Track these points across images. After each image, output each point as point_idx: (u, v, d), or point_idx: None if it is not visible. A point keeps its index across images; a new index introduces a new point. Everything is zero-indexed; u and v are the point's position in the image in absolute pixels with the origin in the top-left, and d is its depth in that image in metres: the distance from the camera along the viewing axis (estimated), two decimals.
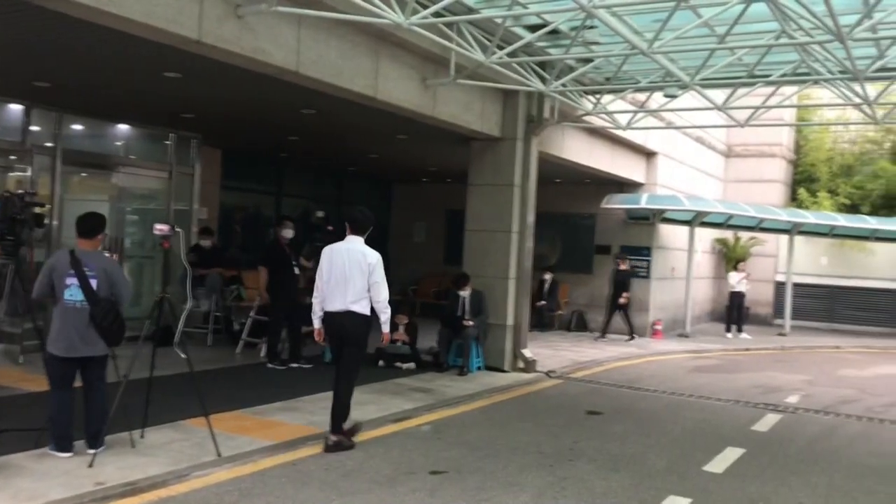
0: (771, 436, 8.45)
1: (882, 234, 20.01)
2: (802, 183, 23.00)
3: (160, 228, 6.32)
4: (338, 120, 11.33)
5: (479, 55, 8.93)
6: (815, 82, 10.87)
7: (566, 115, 12.32)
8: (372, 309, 6.83)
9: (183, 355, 6.31)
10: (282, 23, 7.50)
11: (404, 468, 6.31)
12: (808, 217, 19.42)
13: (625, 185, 17.07)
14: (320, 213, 13.07)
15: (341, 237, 7.07)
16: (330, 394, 6.97)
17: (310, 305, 7.09)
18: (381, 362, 11.03)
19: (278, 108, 10.68)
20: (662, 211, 16.86)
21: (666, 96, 11.73)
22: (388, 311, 6.89)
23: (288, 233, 10.97)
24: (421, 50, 9.28)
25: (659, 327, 17.15)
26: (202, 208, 13.86)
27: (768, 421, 9.14)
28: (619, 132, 14.05)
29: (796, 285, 20.35)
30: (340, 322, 6.74)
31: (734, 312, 18.48)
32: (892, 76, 10.18)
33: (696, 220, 17.82)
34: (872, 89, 11.07)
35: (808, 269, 21.44)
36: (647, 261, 17.35)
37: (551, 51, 10.57)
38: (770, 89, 11.75)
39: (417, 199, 20.18)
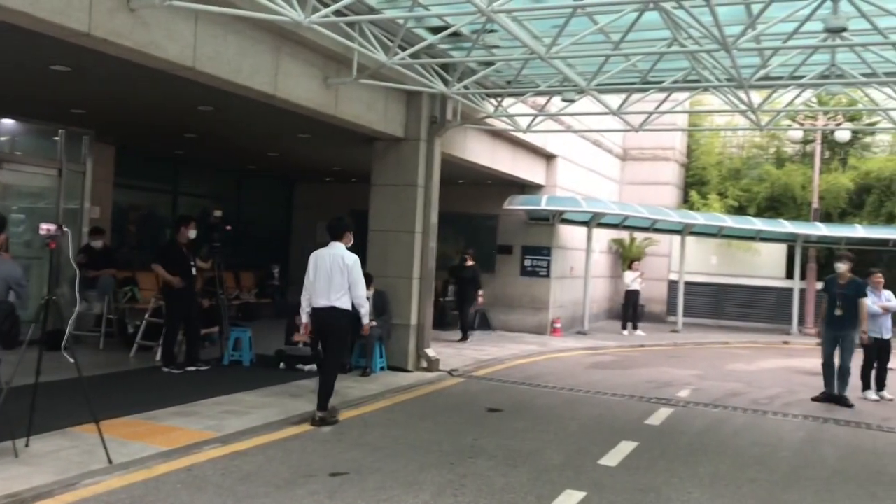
0: (663, 429, 8.78)
1: (766, 234, 21.10)
2: (694, 185, 23.95)
3: (46, 228, 6.09)
4: (237, 118, 11.12)
5: (381, 55, 8.94)
6: (705, 89, 11.38)
7: (468, 117, 12.47)
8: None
9: (71, 359, 6.06)
10: (177, 17, 7.30)
11: (303, 471, 6.25)
12: (698, 218, 20.28)
13: (526, 187, 17.40)
14: (218, 213, 12.78)
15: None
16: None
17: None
18: (282, 364, 10.89)
19: (174, 105, 10.39)
20: (561, 212, 17.28)
21: (564, 100, 11.99)
22: (367, 305, 8.04)
23: (191, 233, 10.69)
24: (323, 49, 9.21)
25: (558, 325, 17.55)
26: (94, 207, 13.34)
27: (661, 415, 9.49)
28: (520, 135, 14.31)
29: (688, 284, 21.21)
30: (325, 317, 7.82)
31: (630, 310, 19.11)
32: (774, 84, 10.75)
33: (594, 220, 18.34)
34: (758, 96, 11.68)
35: (699, 268, 22.37)
36: (547, 260, 17.73)
37: (453, 53, 10.68)
38: (663, 95, 12.22)
39: (321, 198, 19.99)
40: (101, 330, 11.77)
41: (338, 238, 8.02)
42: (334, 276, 7.80)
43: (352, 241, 8.15)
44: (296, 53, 9.07)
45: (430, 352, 11.75)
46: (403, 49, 9.15)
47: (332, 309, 7.79)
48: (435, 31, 9.53)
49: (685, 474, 6.80)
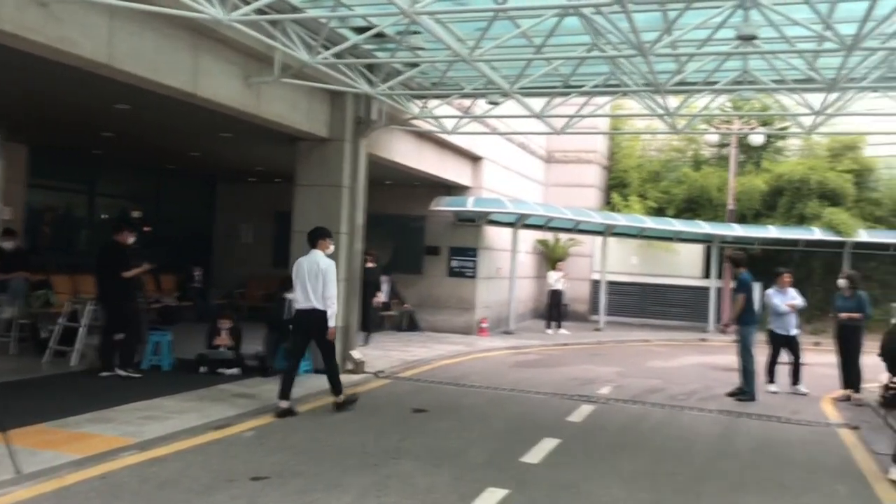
0: (584, 426, 8.96)
1: (685, 235, 21.73)
2: (616, 188, 24.50)
3: None
4: (156, 116, 10.86)
5: (303, 55, 8.87)
6: (624, 93, 11.66)
7: (394, 118, 12.47)
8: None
9: None
10: (91, 12, 7.09)
11: (224, 476, 6.15)
12: (619, 220, 20.76)
13: (453, 189, 17.49)
14: (136, 213, 12.46)
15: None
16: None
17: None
18: (202, 368, 10.67)
19: (90, 103, 10.08)
20: (488, 213, 17.44)
21: (489, 103, 12.14)
22: (335, 305, 8.70)
23: (130, 238, 10.42)
24: (244, 47, 9.07)
25: (485, 325, 17.70)
26: (5, 208, 12.85)
27: (583, 412, 9.67)
28: (447, 137, 14.38)
29: (610, 283, 21.68)
30: (307, 317, 8.63)
31: (554, 310, 19.43)
32: (690, 89, 11.08)
33: (519, 222, 18.57)
34: (675, 101, 12.02)
35: (621, 268, 22.88)
36: (474, 261, 17.88)
37: (378, 54, 10.68)
38: (584, 99, 12.45)
39: (244, 199, 19.66)
40: (12, 335, 11.32)
41: (316, 245, 8.86)
42: (312, 281, 8.59)
43: (330, 248, 8.99)
44: (216, 51, 8.91)
45: (356, 354, 11.70)
46: (327, 48, 9.11)
47: (313, 310, 8.60)
48: (359, 31, 9.51)
49: (605, 470, 6.96)
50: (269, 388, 9.91)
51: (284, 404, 8.54)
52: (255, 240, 19.51)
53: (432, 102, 12.71)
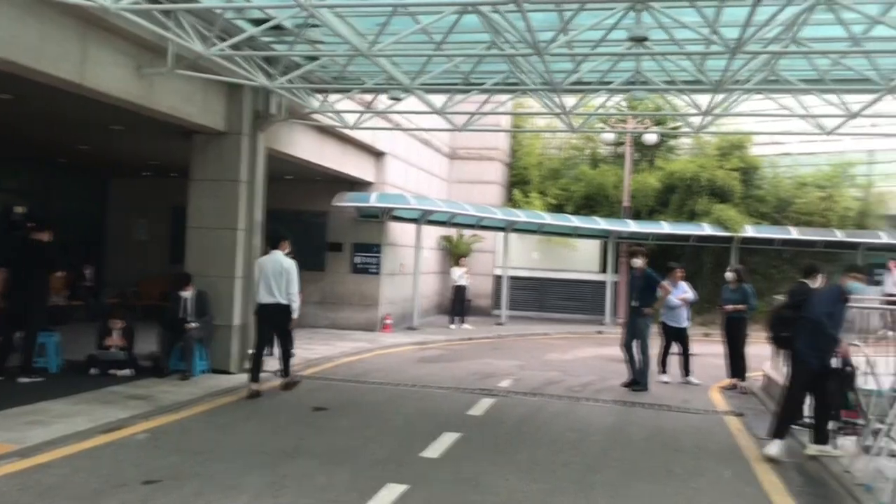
0: (484, 419, 9.08)
1: (583, 231, 22.29)
2: (517, 184, 24.86)
3: None
4: (41, 107, 10.36)
5: (198, 46, 8.63)
6: (524, 92, 11.85)
7: (294, 112, 12.28)
8: None
9: None
10: None
11: (114, 480, 5.93)
12: (520, 216, 21.10)
13: (356, 184, 17.37)
14: (20, 209, 11.85)
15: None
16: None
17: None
18: (93, 370, 10.26)
19: None
20: (391, 209, 17.41)
21: (390, 98, 12.11)
22: (298, 300, 9.89)
23: (44, 236, 9.91)
24: (135, 37, 8.74)
25: (389, 321, 17.68)
26: None
27: (483, 405, 9.79)
28: (349, 132, 14.27)
29: (512, 278, 22.02)
30: (270, 310, 9.77)
31: (457, 305, 19.59)
32: (585, 89, 11.36)
33: (423, 218, 18.62)
34: (572, 100, 12.29)
35: (522, 264, 23.26)
36: (378, 257, 17.81)
37: (276, 46, 10.50)
38: (485, 96, 12.59)
39: (138, 194, 18.98)
40: None
41: (276, 247, 9.98)
42: (276, 278, 9.73)
43: (287, 248, 10.07)
44: (105, 40, 8.56)
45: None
46: (223, 40, 8.89)
47: (277, 304, 9.73)
48: (256, 22, 9.32)
49: (504, 461, 7.07)
50: (163, 388, 9.65)
51: (255, 386, 9.69)
52: (151, 237, 18.86)
53: (333, 97, 12.60)
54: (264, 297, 9.77)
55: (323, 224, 18.00)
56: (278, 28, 9.37)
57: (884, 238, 22.35)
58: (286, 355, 10.24)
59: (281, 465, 6.60)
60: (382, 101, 13.70)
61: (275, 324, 9.97)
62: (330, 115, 12.81)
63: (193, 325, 10.64)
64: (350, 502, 5.72)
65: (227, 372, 10.98)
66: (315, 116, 12.87)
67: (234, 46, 9.05)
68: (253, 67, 10.18)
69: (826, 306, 7.55)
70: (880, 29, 7.94)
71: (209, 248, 11.22)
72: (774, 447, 7.53)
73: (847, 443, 7.63)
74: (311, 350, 13.83)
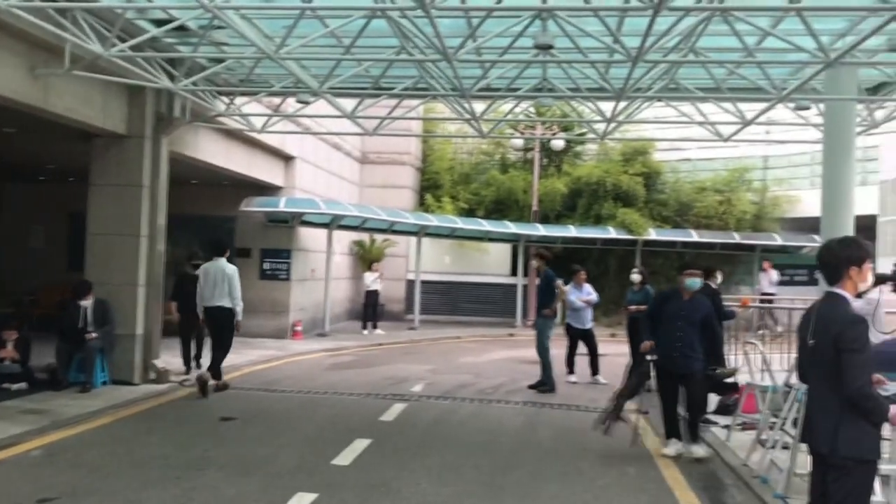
0: (396, 424, 9.06)
1: (494, 235, 22.56)
2: (429, 189, 24.95)
3: None
4: None
5: (96, 46, 8.33)
6: (434, 97, 11.91)
7: (199, 115, 11.99)
8: None
9: None
10: None
11: (6, 499, 5.65)
12: (432, 220, 21.19)
13: (264, 189, 17.07)
14: None
15: None
16: None
17: None
18: None
19: None
20: (301, 214, 17.20)
21: (299, 102, 11.97)
22: (241, 304, 10.54)
23: None
24: (29, 35, 8.36)
25: (299, 328, 17.44)
26: None
27: (395, 410, 9.77)
28: (256, 135, 14.01)
29: (424, 283, 22.05)
30: (215, 313, 10.38)
31: (370, 310, 19.49)
32: (494, 95, 11.51)
33: (334, 223, 18.47)
34: (481, 106, 12.43)
35: (434, 268, 23.34)
36: (288, 263, 17.55)
37: (180, 48, 10.25)
38: (395, 101, 12.59)
39: (35, 200, 18.15)
40: None
41: (220, 254, 10.63)
42: (218, 283, 10.35)
43: (227, 254, 10.83)
44: None
45: (160, 362, 11.14)
46: (124, 41, 8.60)
47: (219, 307, 10.34)
48: (159, 23, 9.08)
49: (415, 466, 7.07)
50: (61, 402, 9.26)
51: (218, 382, 10.45)
52: (48, 243, 18.05)
53: (240, 99, 12.37)
54: (209, 301, 10.39)
55: (231, 229, 17.57)
56: (182, 29, 9.15)
57: (778, 240, 23.45)
58: (218, 358, 10.54)
59: (186, 478, 6.42)
60: (291, 104, 13.54)
61: (218, 326, 10.48)
62: (237, 118, 12.57)
63: (93, 334, 10.24)
64: None
65: (129, 383, 10.62)
66: (221, 119, 12.61)
67: (136, 47, 8.78)
68: (156, 69, 9.89)
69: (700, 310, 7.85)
70: (772, 41, 8.33)
71: (110, 255, 10.83)
72: (672, 447, 7.76)
73: (745, 437, 7.96)
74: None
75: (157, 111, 11.10)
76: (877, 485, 5.32)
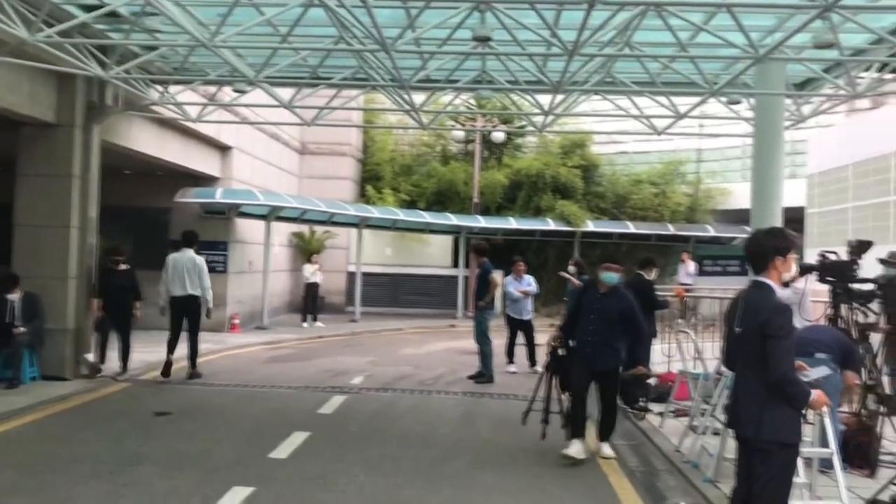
0: (335, 417, 9.02)
1: (435, 226, 22.59)
2: (370, 180, 24.84)
3: None
4: None
5: (21, 31, 8.04)
6: (373, 88, 11.87)
7: (132, 104, 11.70)
8: None
9: None
10: None
11: None
12: (373, 212, 21.11)
13: (200, 179, 16.76)
14: None
15: None
16: None
17: None
18: None
19: None
20: (238, 205, 16.94)
21: (235, 91, 11.77)
22: (211, 292, 11.21)
23: None
24: None
25: (236, 321, 17.20)
26: None
27: (334, 403, 9.72)
28: (192, 125, 13.74)
29: (365, 275, 21.96)
30: (183, 302, 10.89)
31: (310, 302, 19.33)
32: (433, 86, 11.51)
33: (272, 214, 18.25)
34: (421, 97, 12.42)
35: (376, 260, 23.27)
36: (225, 255, 17.26)
37: (112, 35, 9.98)
38: (334, 91, 12.49)
39: None
40: None
41: (188, 246, 11.11)
42: (190, 273, 10.87)
43: (196, 246, 11.24)
44: None
45: (91, 357, 10.88)
46: (51, 25, 8.33)
47: (189, 296, 10.88)
48: (88, 8, 8.82)
49: (354, 458, 7.06)
50: None
51: (195, 371, 11.13)
52: None
53: (174, 88, 12.11)
54: (178, 291, 10.84)
55: (165, 221, 17.21)
56: (113, 15, 8.91)
57: (711, 231, 24.04)
58: (194, 349, 11.13)
59: (119, 474, 6.28)
60: (227, 93, 13.31)
61: (187, 314, 10.97)
62: (171, 107, 12.31)
63: (21, 329, 9.93)
64: None
65: (61, 378, 10.34)
66: (155, 109, 12.34)
67: (64, 33, 8.52)
68: (86, 56, 9.61)
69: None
70: (704, 36, 8.52)
71: (39, 248, 10.51)
72: (573, 447, 7.18)
73: (678, 424, 8.16)
74: (152, 353, 13.13)
75: (88, 99, 10.80)
76: (800, 466, 5.54)
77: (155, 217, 17.10)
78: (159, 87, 11.85)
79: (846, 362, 6.36)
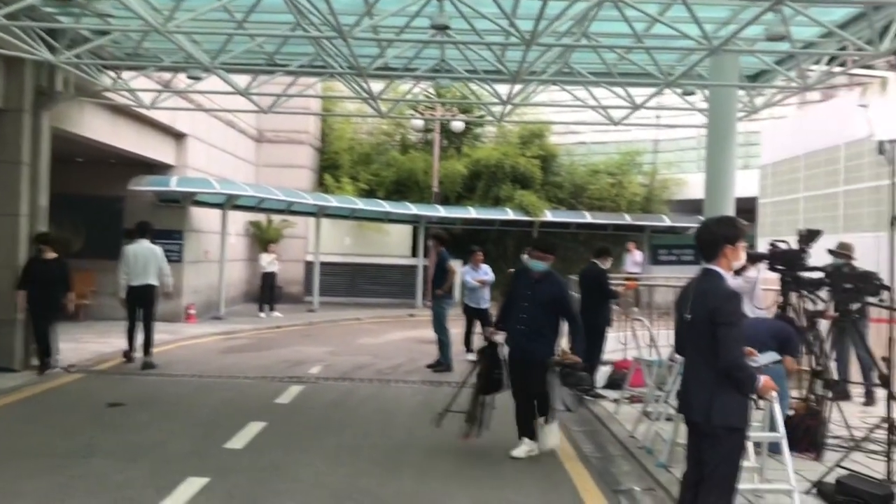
0: (292, 407, 8.97)
1: (394, 216, 22.54)
2: (328, 169, 24.67)
3: None
4: None
5: None
6: (331, 75, 11.77)
7: (84, 90, 11.46)
8: None
9: None
10: None
11: None
12: (331, 201, 20.99)
13: (155, 167, 16.49)
14: None
15: None
16: None
17: None
18: None
19: None
20: (193, 194, 16.69)
21: (190, 77, 11.58)
22: (171, 278, 11.60)
23: None
24: None
25: (192, 311, 16.98)
26: None
27: (291, 392, 9.67)
28: (146, 112, 13.49)
29: (324, 264, 21.84)
30: (143, 291, 11.11)
31: (267, 292, 19.18)
32: (391, 75, 11.46)
33: (229, 203, 18.03)
34: (380, 85, 12.35)
35: (334, 249, 23.16)
36: (180, 244, 17.01)
37: (61, 18, 9.74)
38: (292, 78, 12.36)
39: None
40: None
41: (143, 236, 11.32)
42: (150, 263, 11.17)
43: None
44: None
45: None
46: None
47: (148, 285, 11.13)
48: None
49: (311, 448, 7.03)
50: None
51: (148, 359, 11.13)
52: None
53: (127, 74, 11.89)
54: (138, 280, 11.06)
55: (119, 210, 16.91)
56: None
57: (667, 221, 24.38)
58: (149, 335, 11.25)
59: (71, 466, 6.18)
60: (182, 80, 13.08)
61: (145, 303, 11.18)
62: (124, 93, 12.07)
63: None
64: (147, 499, 5.46)
65: (10, 369, 10.12)
66: (108, 95, 12.08)
67: (11, 16, 8.28)
68: (35, 40, 9.36)
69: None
70: (660, 27, 8.60)
71: None
72: (522, 447, 6.94)
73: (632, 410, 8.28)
74: (106, 343, 12.98)
75: (38, 84, 10.55)
76: (750, 451, 5.66)
77: (108, 206, 16.78)
78: (112, 73, 11.62)
79: (784, 349, 6.54)
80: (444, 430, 7.94)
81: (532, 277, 6.95)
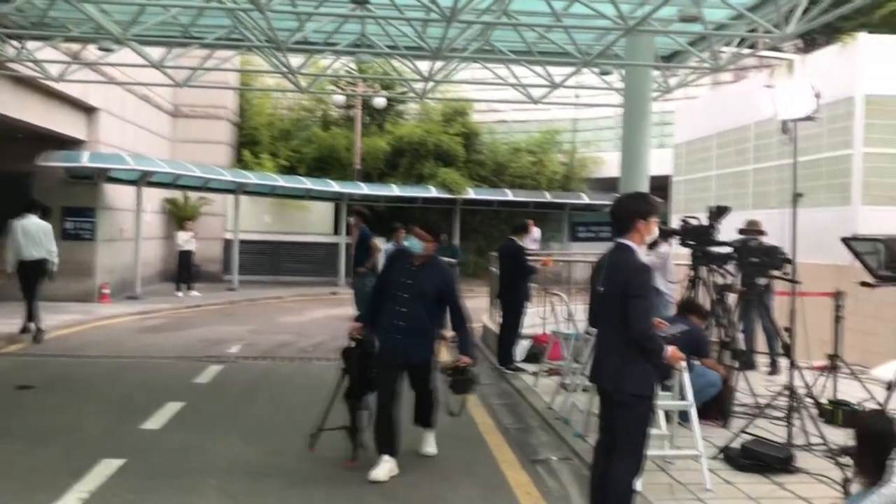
0: (211, 386, 8.85)
1: (316, 193, 22.33)
2: (247, 145, 24.20)
3: None
4: None
5: None
6: (248, 49, 11.52)
7: None
8: None
9: None
10: None
11: None
12: (251, 178, 20.63)
13: (65, 142, 15.87)
14: None
15: None
16: None
17: None
18: None
19: None
20: (106, 170, 16.16)
21: (101, 49, 11.17)
22: (57, 259, 11.43)
23: None
24: None
25: (106, 291, 16.49)
26: None
27: (210, 372, 9.53)
28: (54, 84, 12.95)
29: (243, 242, 21.49)
30: (34, 265, 11.13)
31: (184, 271, 18.79)
32: (311, 49, 11.30)
33: (143, 179, 17.52)
34: (299, 59, 12.15)
35: (254, 227, 22.81)
36: (92, 222, 16.50)
37: None
38: (208, 51, 12.06)
39: None
40: None
41: (31, 211, 11.34)
42: (41, 238, 11.20)
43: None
44: None
45: None
46: None
47: (41, 260, 11.19)
48: None
49: (230, 428, 6.96)
50: None
51: (40, 326, 11.40)
52: None
53: (32, 44, 11.37)
54: (29, 254, 11.12)
55: (27, 186, 16.18)
56: None
57: (585, 199, 24.87)
58: (35, 309, 11.34)
59: None
60: (93, 51, 12.61)
61: (35, 277, 11.24)
62: (30, 64, 11.56)
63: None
64: (60, 483, 5.32)
65: None
66: (12, 66, 11.55)
67: None
68: None
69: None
70: (578, 7, 8.73)
71: None
72: (382, 467, 5.72)
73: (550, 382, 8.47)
74: (12, 325, 12.48)
75: None
76: (662, 419, 5.89)
77: (15, 182, 16.05)
78: (15, 43, 11.10)
79: (697, 353, 6.87)
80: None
81: (411, 262, 5.82)
